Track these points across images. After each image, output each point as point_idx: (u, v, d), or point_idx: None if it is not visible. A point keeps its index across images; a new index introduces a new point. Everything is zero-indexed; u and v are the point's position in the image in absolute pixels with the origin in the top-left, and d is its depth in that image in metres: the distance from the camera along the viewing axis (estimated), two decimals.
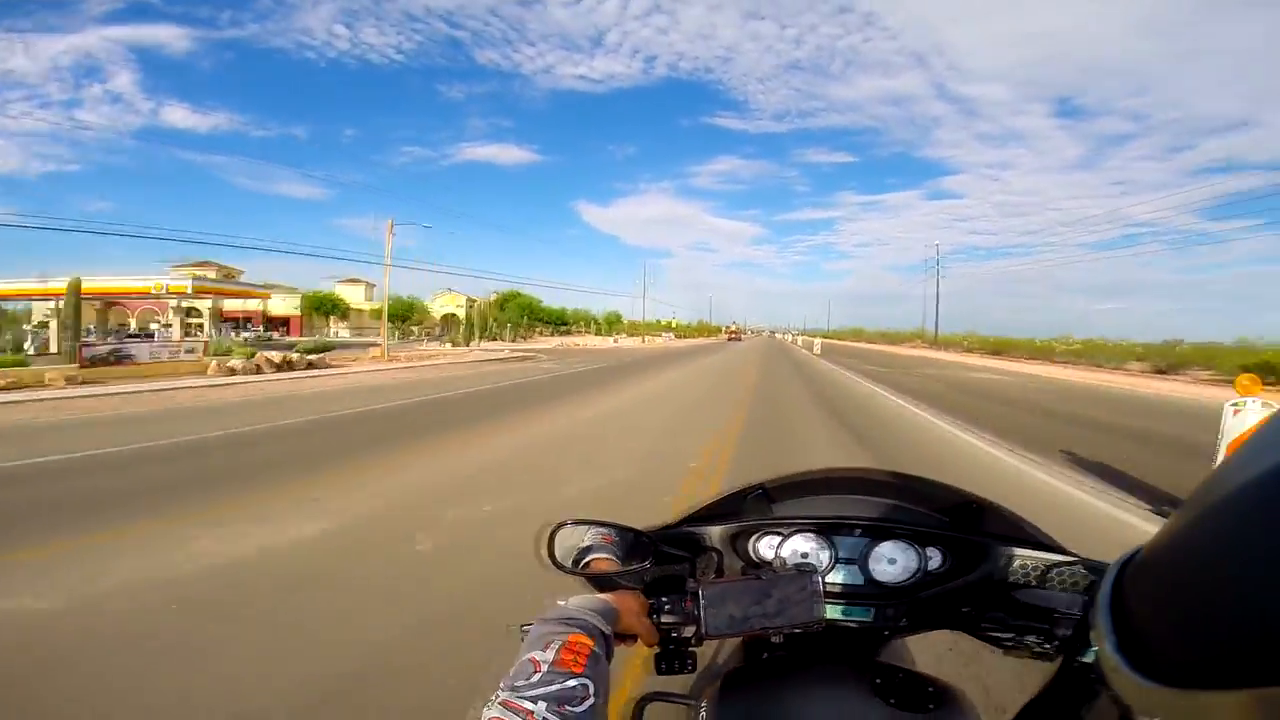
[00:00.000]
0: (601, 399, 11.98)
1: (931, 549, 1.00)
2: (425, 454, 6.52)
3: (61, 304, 21.04)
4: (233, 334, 43.37)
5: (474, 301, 68.11)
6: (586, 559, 0.90)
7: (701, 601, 0.80)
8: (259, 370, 17.93)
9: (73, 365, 14.84)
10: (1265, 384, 21.37)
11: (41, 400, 10.94)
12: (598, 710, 0.55)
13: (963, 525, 1.01)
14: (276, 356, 18.81)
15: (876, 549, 1.00)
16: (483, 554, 3.60)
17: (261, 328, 56.13)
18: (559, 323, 78.12)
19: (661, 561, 0.95)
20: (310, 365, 19.71)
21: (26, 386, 12.68)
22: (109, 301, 39.59)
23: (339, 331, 63.67)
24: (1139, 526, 4.44)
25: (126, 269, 33.68)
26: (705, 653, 1.04)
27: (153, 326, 39.81)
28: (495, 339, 52.49)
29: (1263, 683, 0.22)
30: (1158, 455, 7.37)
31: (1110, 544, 2.43)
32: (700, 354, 34.85)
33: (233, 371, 17.46)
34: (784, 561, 1.00)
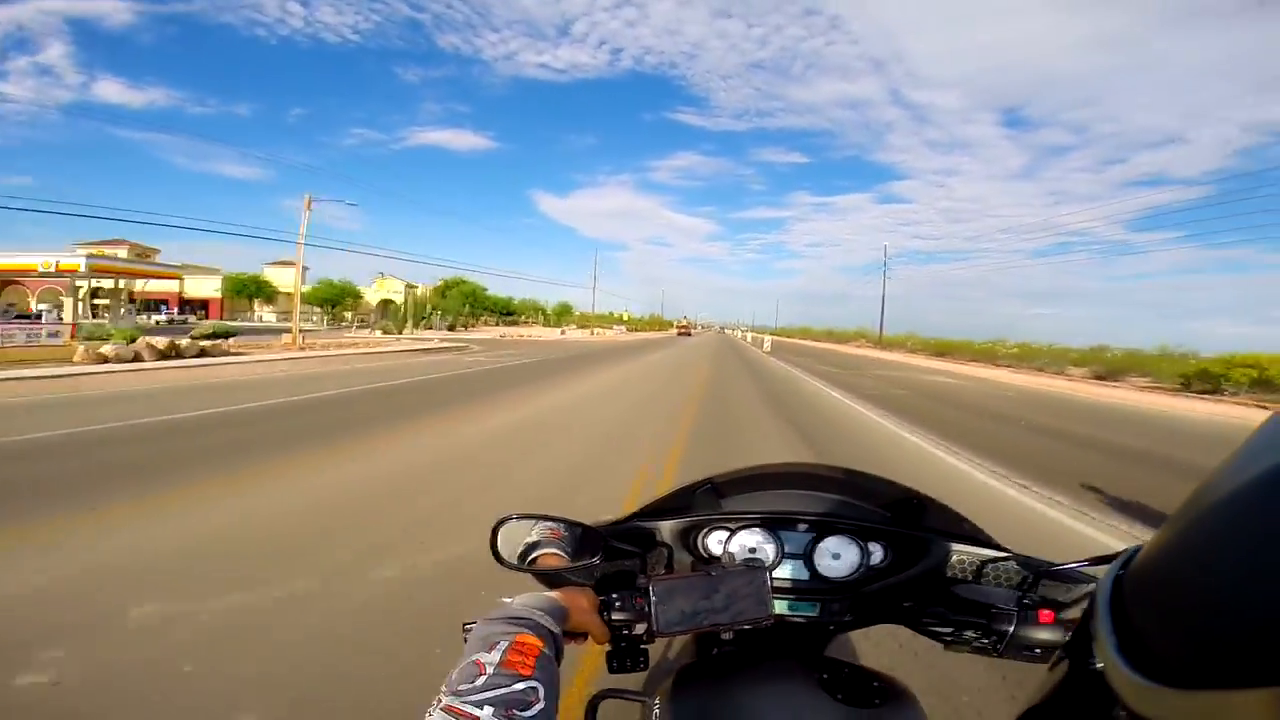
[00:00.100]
0: (516, 405, 9.75)
1: (874, 544, 1.01)
2: (200, 496, 4.34)
3: None
4: (139, 317, 39.90)
5: (414, 288, 64.88)
6: (534, 554, 0.87)
7: (652, 598, 0.78)
8: (136, 358, 15.52)
9: None
10: (1197, 393, 21.61)
11: None
12: (548, 714, 0.52)
13: (904, 520, 1.02)
14: (161, 342, 16.37)
15: (821, 544, 1.00)
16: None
17: (177, 310, 52.02)
18: (505, 312, 75.46)
19: (611, 557, 0.93)
20: (203, 353, 17.33)
21: None
22: (4, 280, 35.92)
23: (263, 316, 59.58)
24: None
25: (37, 246, 30.67)
26: (657, 648, 1.05)
27: (40, 307, 35.71)
28: (432, 327, 49.89)
29: (1272, 682, 0.23)
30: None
31: None
32: (649, 349, 33.37)
33: (104, 359, 15.01)
34: (733, 557, 0.99)
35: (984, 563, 0.97)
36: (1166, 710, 0.28)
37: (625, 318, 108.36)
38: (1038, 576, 0.90)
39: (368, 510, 4.22)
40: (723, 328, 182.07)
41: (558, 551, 0.87)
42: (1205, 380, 22.15)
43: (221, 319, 54.15)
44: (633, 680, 0.95)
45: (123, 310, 39.27)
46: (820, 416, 10.18)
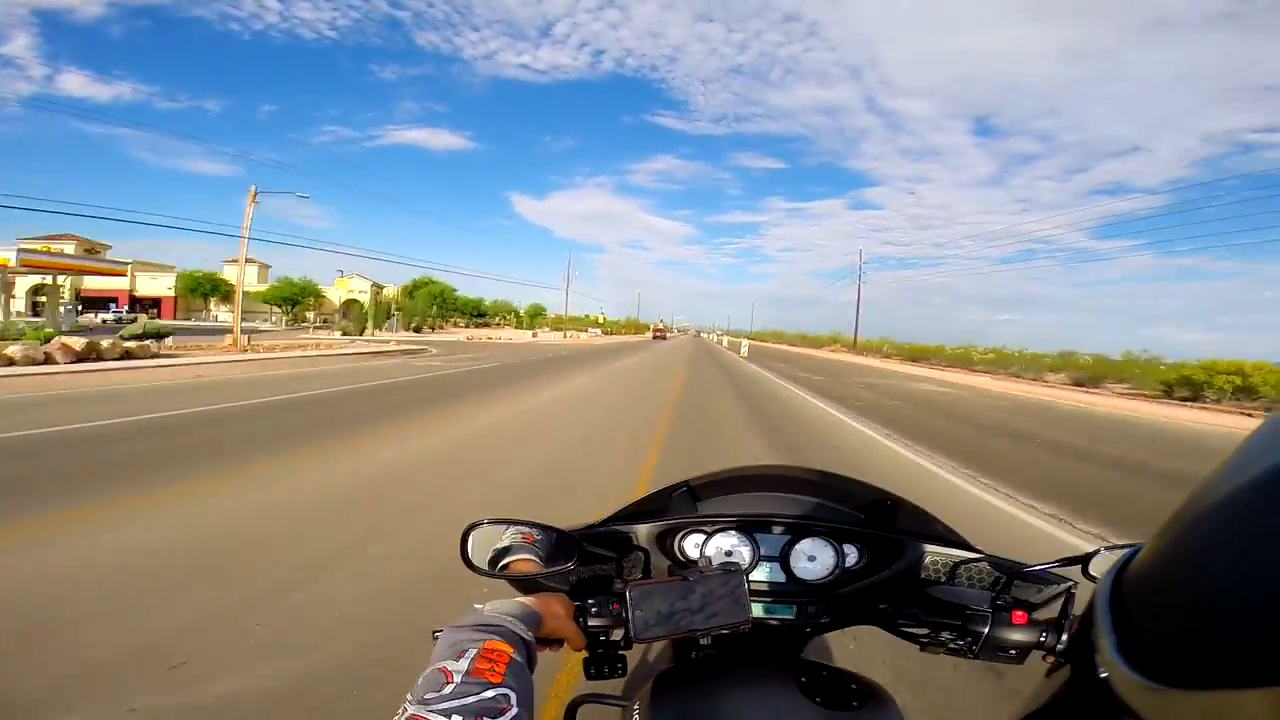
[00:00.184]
0: (450, 423, 7.92)
1: (849, 545, 1.01)
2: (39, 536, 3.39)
3: None
4: (85, 316, 37.64)
5: (381, 288, 62.59)
6: (506, 560, 0.85)
7: (629, 603, 0.77)
8: (48, 360, 13.87)
9: None
10: (1180, 400, 21.26)
11: None
12: None
13: (878, 522, 1.02)
14: (79, 343, 14.72)
15: (797, 546, 1.00)
16: None
17: (126, 309, 49.43)
18: (476, 314, 73.44)
19: (587, 562, 0.92)
20: (128, 355, 15.68)
21: None
22: None
23: (219, 315, 56.97)
24: None
25: None
26: (636, 652, 0.94)
27: None
28: (392, 329, 48.02)
29: (1274, 681, 0.23)
30: None
31: None
32: (624, 352, 32.20)
33: (11, 361, 13.34)
34: (710, 560, 0.98)
35: (957, 564, 0.98)
36: (1168, 711, 0.28)
37: (601, 320, 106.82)
38: (1010, 577, 0.91)
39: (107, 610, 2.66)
40: (698, 331, 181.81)
41: (531, 557, 0.85)
42: (1188, 387, 21.84)
43: (175, 318, 51.75)
44: (611, 685, 0.90)
45: (64, 308, 37.15)
46: (820, 440, 8.62)
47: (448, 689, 0.49)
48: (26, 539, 3.39)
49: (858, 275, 61.71)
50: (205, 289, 56.80)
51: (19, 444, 5.81)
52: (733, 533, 1.00)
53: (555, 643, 0.74)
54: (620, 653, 0.82)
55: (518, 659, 0.55)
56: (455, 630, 0.57)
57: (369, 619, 2.66)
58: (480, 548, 0.84)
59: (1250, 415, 16.88)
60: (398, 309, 51.37)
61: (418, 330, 49.90)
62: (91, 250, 52.39)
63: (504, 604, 0.66)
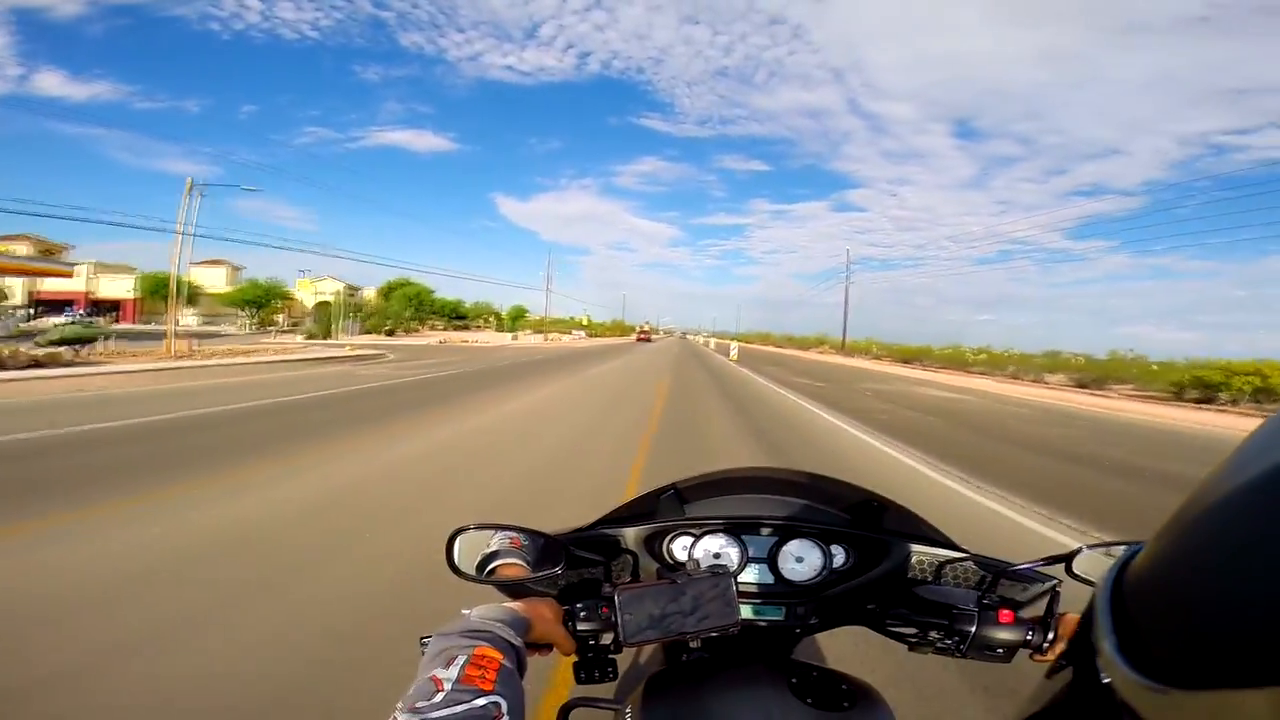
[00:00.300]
0: (314, 468, 5.41)
1: (836, 546, 1.01)
2: None
3: None
4: (37, 320, 35.36)
5: (355, 290, 60.29)
6: (493, 565, 0.84)
7: (618, 606, 0.77)
8: None
9: None
10: (1193, 402, 19.99)
11: None
12: None
13: (864, 522, 1.02)
14: None
15: (785, 547, 0.99)
16: None
17: (83, 312, 46.93)
18: (456, 316, 71.14)
19: (575, 566, 0.91)
20: (36, 364, 13.69)
21: None
22: None
23: (181, 319, 54.43)
24: None
25: None
26: (627, 656, 0.99)
27: None
28: (368, 332, 45.89)
29: (1275, 681, 0.22)
30: None
31: None
32: (607, 355, 30.51)
33: None
34: (698, 563, 0.95)
35: (943, 563, 0.98)
36: (1169, 711, 0.27)
37: (586, 322, 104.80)
38: (996, 576, 0.92)
39: None
40: (684, 333, 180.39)
41: (518, 561, 0.84)
42: (1201, 388, 20.62)
43: (135, 321, 49.24)
44: (603, 689, 0.88)
45: (11, 311, 34.89)
46: (867, 482, 7.32)
47: (438, 697, 0.48)
48: None
49: (845, 276, 60.69)
50: (166, 291, 54.33)
51: None
52: (721, 535, 1.00)
53: (544, 647, 0.74)
54: (610, 656, 0.81)
55: (508, 665, 0.54)
56: (444, 637, 0.57)
57: None
58: (467, 553, 0.83)
59: None
60: (357, 312, 49.21)
61: (390, 333, 47.76)
62: (49, 251, 49.78)
63: (492, 609, 0.65)
